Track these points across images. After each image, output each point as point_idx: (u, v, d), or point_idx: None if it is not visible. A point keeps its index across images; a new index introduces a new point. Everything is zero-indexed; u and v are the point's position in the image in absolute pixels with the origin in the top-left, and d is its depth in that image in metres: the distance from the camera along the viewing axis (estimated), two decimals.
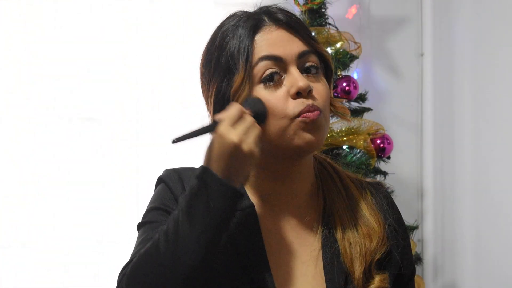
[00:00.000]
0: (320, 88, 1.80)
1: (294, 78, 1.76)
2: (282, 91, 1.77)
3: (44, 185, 4.00)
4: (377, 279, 1.84)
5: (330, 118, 3.34)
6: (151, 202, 1.93)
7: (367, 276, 1.84)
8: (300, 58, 1.79)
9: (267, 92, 1.77)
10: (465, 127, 4.00)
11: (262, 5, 1.88)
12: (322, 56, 1.85)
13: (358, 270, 1.82)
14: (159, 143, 4.04)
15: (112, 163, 4.11)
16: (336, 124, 3.61)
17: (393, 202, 2.00)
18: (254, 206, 1.84)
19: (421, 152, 4.29)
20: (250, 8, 1.90)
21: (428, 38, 4.25)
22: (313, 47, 1.82)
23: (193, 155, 3.96)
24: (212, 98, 1.88)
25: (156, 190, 1.95)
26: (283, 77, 1.78)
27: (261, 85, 1.77)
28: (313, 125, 1.76)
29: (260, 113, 1.72)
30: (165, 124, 4.09)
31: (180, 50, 4.13)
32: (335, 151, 3.59)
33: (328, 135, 3.64)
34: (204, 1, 4.18)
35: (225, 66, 1.83)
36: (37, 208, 3.99)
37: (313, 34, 2.04)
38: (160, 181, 1.93)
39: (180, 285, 1.66)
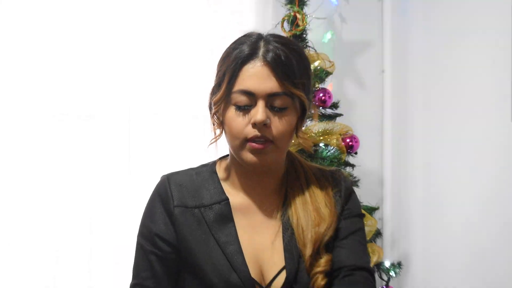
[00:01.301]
0: (279, 124, 1.87)
1: (256, 111, 1.85)
2: (246, 118, 1.87)
3: (36, 181, 3.71)
4: (323, 260, 1.94)
5: (310, 121, 3.33)
6: (145, 215, 2.06)
7: (316, 258, 1.93)
8: (271, 97, 1.86)
9: (236, 114, 1.88)
10: (416, 130, 4.11)
11: (270, 32, 1.94)
12: (299, 96, 1.91)
13: (308, 253, 1.91)
14: (152, 141, 3.91)
15: (106, 159, 3.86)
16: (315, 127, 3.65)
17: (347, 183, 2.06)
18: (228, 199, 1.98)
19: (382, 149, 4.32)
20: (261, 31, 1.95)
21: (388, 58, 4.29)
22: (288, 89, 1.87)
23: (184, 152, 3.88)
24: (209, 95, 2.00)
25: (150, 200, 2.06)
26: (251, 107, 1.87)
27: (234, 107, 1.88)
28: (257, 151, 1.87)
29: None
30: (159, 122, 3.92)
31: (176, 49, 3.92)
32: (313, 148, 3.62)
33: (308, 135, 3.63)
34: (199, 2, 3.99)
35: (219, 78, 1.94)
36: (30, 203, 3.71)
37: (301, 67, 1.96)
38: (154, 190, 2.05)
39: None
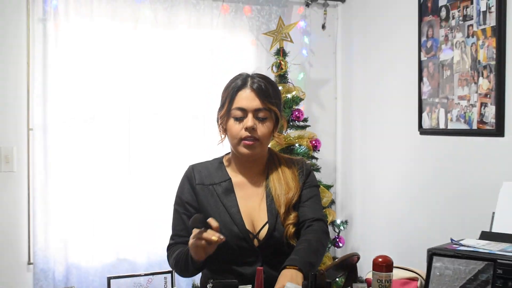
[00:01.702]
0: (262, 128, 2.05)
1: (248, 120, 2.03)
2: (240, 125, 2.04)
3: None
4: (292, 215, 2.08)
5: (286, 130, 3.15)
6: (178, 189, 2.18)
7: (287, 214, 2.07)
8: (256, 111, 2.04)
9: (234, 123, 2.05)
10: (356, 136, 4.32)
11: (255, 72, 2.10)
12: (274, 110, 2.10)
13: (282, 211, 2.06)
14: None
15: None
16: (292, 133, 3.86)
17: (307, 166, 2.22)
18: (230, 178, 2.14)
19: (335, 148, 4.55)
20: (248, 72, 2.11)
21: (339, 89, 4.51)
22: (267, 106, 2.05)
23: (184, 150, 3.89)
24: (217, 113, 2.16)
25: (181, 181, 2.18)
26: (244, 118, 2.04)
27: (233, 119, 2.06)
28: (248, 146, 2.05)
29: (201, 225, 1.87)
30: (159, 122, 3.88)
31: (176, 50, 3.91)
32: (291, 147, 3.84)
33: (287, 138, 3.80)
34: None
35: (222, 101, 2.12)
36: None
37: (275, 93, 2.12)
38: (184, 175, 2.18)
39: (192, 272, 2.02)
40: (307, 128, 4.08)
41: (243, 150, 2.06)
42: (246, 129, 2.02)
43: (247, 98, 2.04)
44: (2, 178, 3.68)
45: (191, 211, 2.11)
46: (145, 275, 1.94)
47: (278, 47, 4.06)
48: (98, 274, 3.78)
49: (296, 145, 3.90)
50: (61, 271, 3.70)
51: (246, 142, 2.04)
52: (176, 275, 2.06)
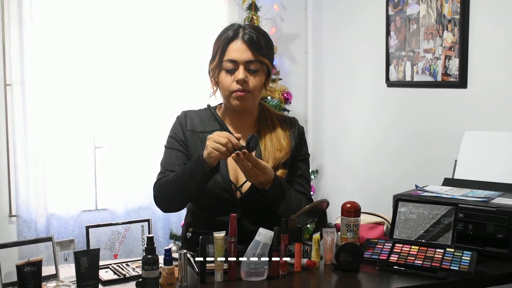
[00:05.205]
0: (253, 80, 2.01)
1: (239, 73, 1.98)
2: (232, 78, 2.00)
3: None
4: (279, 172, 2.04)
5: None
6: (170, 131, 2.16)
7: (275, 171, 2.02)
8: (247, 63, 1.99)
9: (225, 76, 2.01)
10: (327, 88, 4.34)
11: (247, 23, 2.10)
12: (266, 63, 2.06)
13: (270, 166, 2.00)
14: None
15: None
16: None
17: (300, 127, 2.20)
18: (221, 129, 2.06)
19: (306, 100, 4.57)
20: (240, 22, 2.04)
21: (310, 44, 4.51)
22: (258, 58, 2.01)
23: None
24: (208, 65, 2.12)
25: (174, 124, 2.16)
26: (235, 70, 1.99)
27: (224, 71, 2.01)
28: (239, 98, 2.00)
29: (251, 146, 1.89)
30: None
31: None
32: (263, 99, 3.67)
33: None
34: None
35: (214, 53, 2.08)
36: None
37: (267, 44, 2.07)
38: (176, 118, 2.16)
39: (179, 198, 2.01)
40: (279, 81, 4.12)
41: (234, 102, 2.01)
42: (237, 81, 1.98)
43: (238, 50, 2.00)
44: None
45: (182, 150, 2.09)
46: (123, 223, 1.92)
47: (250, 1, 4.06)
48: (77, 224, 3.83)
49: (268, 97, 3.89)
50: (42, 222, 3.74)
51: (238, 93, 1.99)
52: (153, 223, 2.07)
